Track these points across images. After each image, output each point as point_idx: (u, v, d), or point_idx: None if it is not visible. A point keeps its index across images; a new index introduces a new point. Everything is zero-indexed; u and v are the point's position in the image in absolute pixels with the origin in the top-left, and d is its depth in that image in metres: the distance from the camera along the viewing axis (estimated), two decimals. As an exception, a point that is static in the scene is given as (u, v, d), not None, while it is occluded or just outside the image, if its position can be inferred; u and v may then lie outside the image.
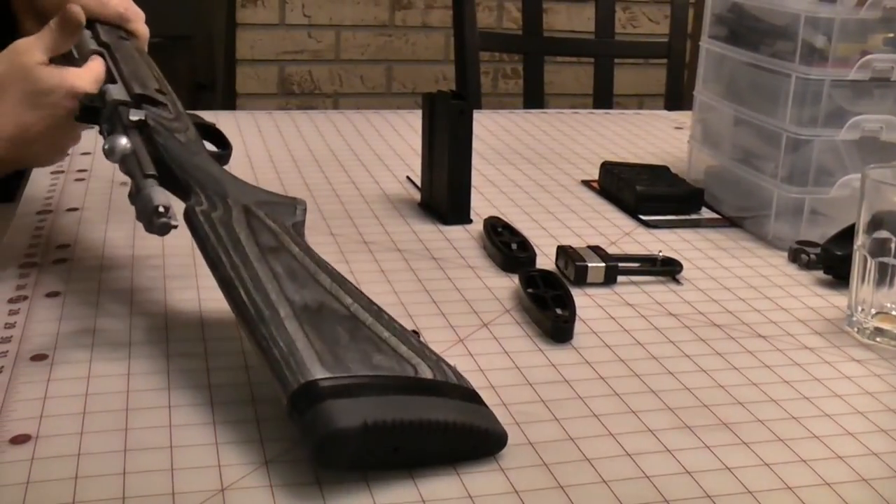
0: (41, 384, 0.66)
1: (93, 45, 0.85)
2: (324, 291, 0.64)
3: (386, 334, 0.62)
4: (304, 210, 0.75)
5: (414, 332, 0.65)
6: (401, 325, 0.64)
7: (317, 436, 0.55)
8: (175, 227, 0.68)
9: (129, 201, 0.71)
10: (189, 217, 0.70)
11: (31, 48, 0.79)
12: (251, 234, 0.68)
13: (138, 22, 0.92)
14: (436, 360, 0.62)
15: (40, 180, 1.08)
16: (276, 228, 0.70)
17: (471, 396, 0.61)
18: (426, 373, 0.60)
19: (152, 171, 0.71)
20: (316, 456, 0.56)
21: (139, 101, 0.78)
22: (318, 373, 0.57)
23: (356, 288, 0.67)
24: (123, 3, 0.92)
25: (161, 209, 0.67)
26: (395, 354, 0.61)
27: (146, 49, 0.92)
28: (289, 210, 0.74)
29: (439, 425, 0.57)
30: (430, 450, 0.58)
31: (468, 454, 0.59)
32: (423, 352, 0.62)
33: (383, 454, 0.57)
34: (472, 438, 0.59)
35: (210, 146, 0.80)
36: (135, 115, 0.75)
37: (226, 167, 0.78)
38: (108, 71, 0.83)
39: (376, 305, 0.66)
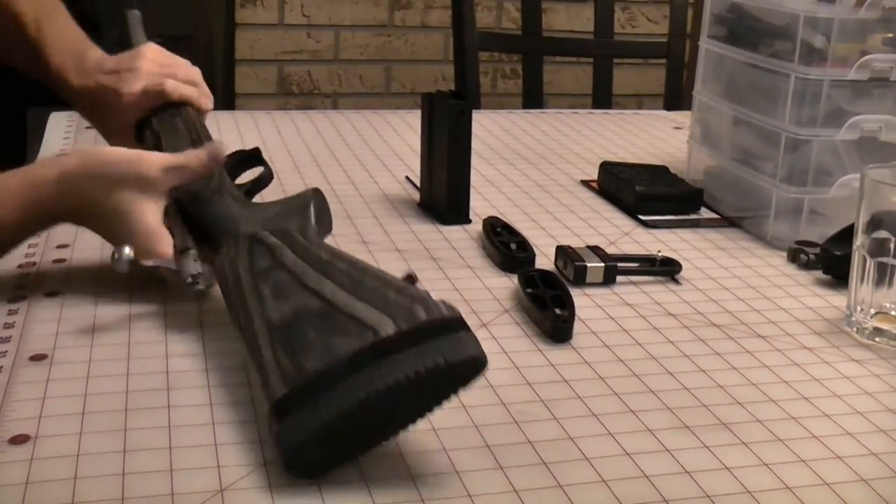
0: (40, 384, 0.66)
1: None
2: (306, 294, 0.65)
3: (359, 305, 0.61)
4: (308, 204, 0.78)
5: (408, 276, 0.64)
6: (385, 278, 0.63)
7: (280, 458, 0.57)
8: (205, 291, 0.75)
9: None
10: (216, 271, 0.75)
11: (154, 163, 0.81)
12: (249, 265, 0.71)
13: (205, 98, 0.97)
14: (407, 307, 0.59)
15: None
16: (276, 244, 0.71)
17: (442, 329, 0.58)
18: (387, 328, 0.58)
19: (187, 244, 0.77)
20: (297, 474, 0.57)
21: None
22: (279, 391, 0.58)
23: (344, 261, 0.67)
24: (190, 73, 0.97)
25: (190, 279, 0.74)
26: (358, 325, 0.59)
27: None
28: (294, 214, 0.77)
29: (396, 387, 0.56)
30: (401, 410, 0.57)
31: (445, 392, 0.58)
32: (391, 303, 0.60)
33: (357, 438, 0.57)
34: (440, 378, 0.57)
35: (253, 172, 0.87)
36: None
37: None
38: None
39: (361, 267, 0.66)
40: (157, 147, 0.87)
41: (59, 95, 1.00)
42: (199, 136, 0.88)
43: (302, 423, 0.56)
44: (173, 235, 0.78)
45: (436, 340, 0.57)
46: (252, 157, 0.88)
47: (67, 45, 0.97)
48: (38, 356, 0.69)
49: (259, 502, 0.55)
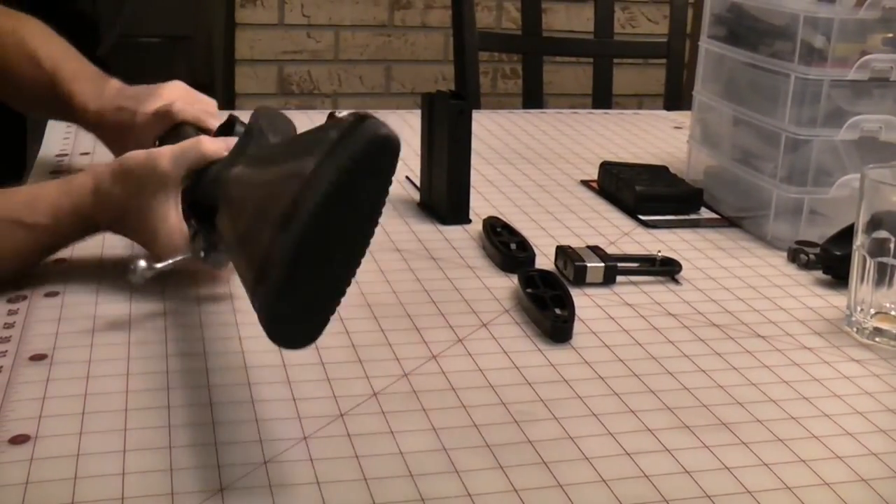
0: (40, 384, 0.66)
1: None
2: (251, 188, 0.67)
3: (287, 165, 0.63)
4: (254, 127, 0.80)
5: (330, 114, 0.67)
6: (312, 131, 0.64)
7: (268, 334, 0.59)
8: (222, 263, 0.79)
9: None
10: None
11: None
12: (225, 206, 0.71)
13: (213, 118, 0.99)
14: (322, 137, 0.61)
15: (40, 180, 1.07)
16: (235, 174, 0.72)
17: (347, 132, 0.60)
18: (308, 165, 0.59)
19: (196, 227, 0.79)
20: (288, 344, 0.62)
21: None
22: (249, 278, 0.60)
23: (287, 141, 0.72)
24: (206, 106, 1.00)
25: (202, 255, 0.78)
26: (289, 181, 0.60)
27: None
28: (251, 138, 0.79)
29: (326, 199, 0.58)
30: (349, 224, 0.60)
31: (376, 184, 0.60)
32: (312, 143, 0.62)
33: (327, 279, 0.60)
34: (360, 172, 0.59)
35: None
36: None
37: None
38: None
39: (298, 135, 0.69)
40: None
41: (78, 123, 1.04)
42: None
43: (271, 284, 0.58)
44: (188, 224, 0.80)
45: (344, 143, 0.59)
46: (230, 126, 0.89)
47: (87, 75, 1.03)
48: (38, 356, 0.69)
49: (259, 502, 0.55)
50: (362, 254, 0.61)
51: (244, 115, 1.49)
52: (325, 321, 0.60)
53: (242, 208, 0.66)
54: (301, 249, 0.57)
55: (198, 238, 0.78)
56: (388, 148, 0.60)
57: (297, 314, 0.59)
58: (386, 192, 0.61)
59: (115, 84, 1.02)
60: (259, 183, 0.66)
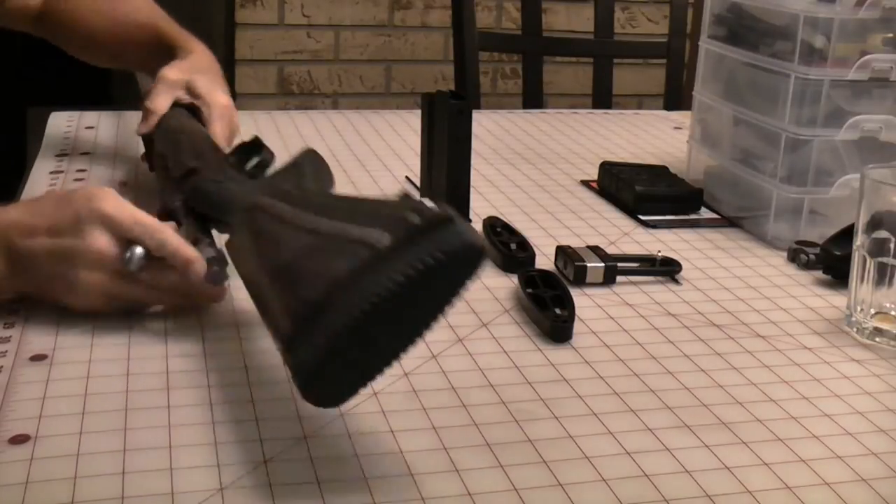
0: (40, 384, 0.66)
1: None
2: (302, 234, 0.63)
3: (353, 228, 0.60)
4: (300, 163, 0.79)
5: (403, 194, 0.63)
6: (380, 200, 0.63)
7: (300, 391, 0.57)
8: (224, 273, 0.75)
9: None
10: (231, 254, 0.74)
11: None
12: (250, 233, 0.69)
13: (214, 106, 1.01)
14: (400, 216, 0.58)
15: (40, 180, 1.07)
16: (270, 202, 0.69)
17: (435, 225, 0.57)
18: (383, 240, 0.57)
19: (199, 235, 0.78)
20: (318, 404, 0.58)
21: (180, 183, 0.83)
22: (286, 328, 0.58)
23: (340, 198, 0.68)
24: (205, 88, 1.02)
25: (211, 260, 0.75)
26: (354, 245, 0.58)
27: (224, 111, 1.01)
28: (290, 175, 0.78)
29: (397, 290, 0.55)
30: (409, 315, 0.57)
31: (451, 288, 0.58)
32: (384, 217, 0.59)
33: (372, 355, 0.57)
34: (441, 272, 0.56)
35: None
36: (176, 201, 0.82)
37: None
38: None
39: (357, 198, 0.66)
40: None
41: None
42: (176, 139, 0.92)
43: (312, 349, 0.55)
44: (184, 232, 0.78)
45: (430, 237, 0.56)
46: (253, 147, 0.88)
47: (188, 39, 1.10)
48: (38, 356, 0.69)
49: (259, 501, 0.55)
50: (416, 342, 0.59)
51: (245, 115, 1.49)
52: (366, 385, 0.59)
53: (284, 249, 0.63)
54: (356, 327, 0.55)
55: (202, 244, 0.76)
56: (476, 260, 0.58)
57: (335, 381, 0.58)
58: (458, 297, 0.59)
59: (203, 56, 1.08)
60: (310, 229, 0.63)
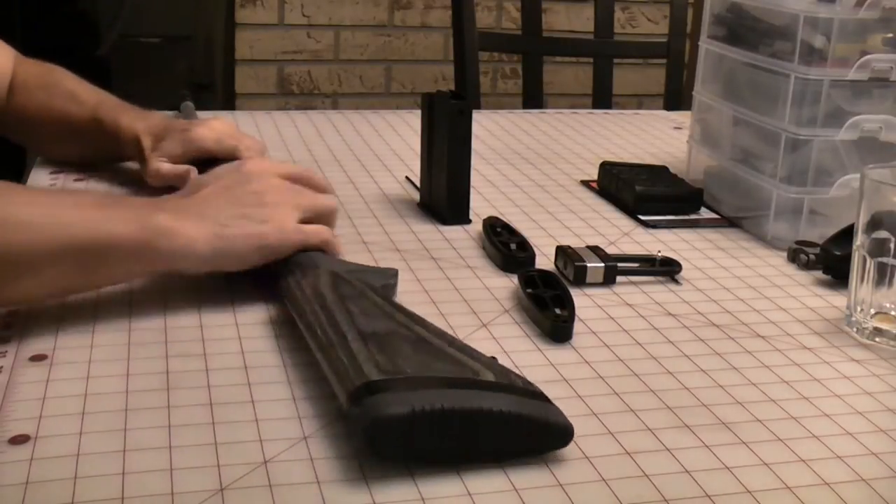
0: (40, 384, 0.66)
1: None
2: (396, 324, 0.68)
3: (453, 351, 0.64)
4: (396, 275, 0.81)
5: (492, 357, 0.66)
6: (475, 350, 0.66)
7: (365, 421, 0.57)
8: None
9: None
10: (281, 287, 0.76)
11: None
12: (334, 289, 0.72)
13: (252, 153, 1.02)
14: (501, 370, 0.63)
15: (40, 181, 1.08)
16: (360, 286, 0.74)
17: (534, 395, 0.61)
18: (486, 375, 0.61)
19: None
20: (366, 442, 0.58)
21: None
22: (375, 375, 0.59)
23: (428, 324, 0.69)
24: (237, 137, 1.03)
25: None
26: (457, 362, 0.62)
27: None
28: (378, 275, 0.79)
29: (491, 414, 0.58)
30: (482, 440, 0.58)
31: (527, 447, 0.59)
32: (490, 364, 0.63)
33: (434, 443, 0.57)
34: (528, 429, 0.59)
35: None
36: None
37: None
38: None
39: (452, 338, 0.68)
40: None
41: (124, 154, 1.06)
42: None
43: (394, 403, 0.57)
44: None
45: (532, 399, 0.60)
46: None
47: (129, 107, 1.06)
48: (38, 356, 0.69)
49: (259, 501, 0.55)
50: (467, 461, 0.59)
51: (244, 115, 1.49)
52: (415, 460, 0.59)
53: (384, 322, 0.67)
54: (412, 418, 0.57)
55: None
56: (565, 443, 0.60)
57: (393, 442, 0.58)
58: (527, 456, 0.59)
59: (160, 114, 1.06)
60: (397, 327, 0.67)
